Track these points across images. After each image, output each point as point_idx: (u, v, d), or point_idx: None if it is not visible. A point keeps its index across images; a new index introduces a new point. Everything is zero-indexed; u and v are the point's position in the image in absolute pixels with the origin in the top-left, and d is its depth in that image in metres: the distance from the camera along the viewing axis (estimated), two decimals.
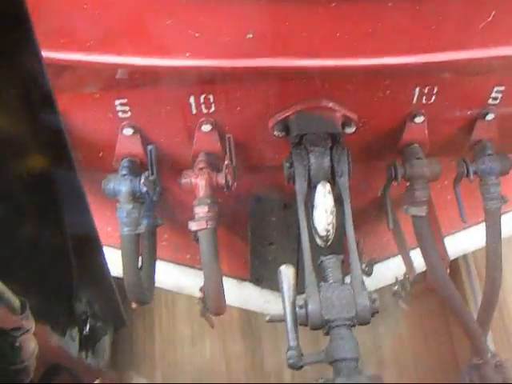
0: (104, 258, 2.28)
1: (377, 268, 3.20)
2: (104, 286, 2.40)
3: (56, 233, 1.96)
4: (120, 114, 2.52)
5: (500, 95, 2.59)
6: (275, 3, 2.03)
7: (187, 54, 2.16)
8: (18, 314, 1.67)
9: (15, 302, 1.65)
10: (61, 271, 2.11)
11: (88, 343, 2.46)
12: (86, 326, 2.40)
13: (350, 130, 2.59)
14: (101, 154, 2.71)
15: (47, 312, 2.08)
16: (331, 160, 2.55)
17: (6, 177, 1.69)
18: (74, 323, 2.35)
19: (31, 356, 1.76)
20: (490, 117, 2.68)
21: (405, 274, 3.31)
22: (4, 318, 1.64)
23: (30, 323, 1.73)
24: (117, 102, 2.47)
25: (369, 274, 3.09)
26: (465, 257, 4.41)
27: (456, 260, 4.24)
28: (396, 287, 3.38)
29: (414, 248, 3.10)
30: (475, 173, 2.79)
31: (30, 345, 1.76)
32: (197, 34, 2.10)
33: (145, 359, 4.66)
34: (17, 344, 1.70)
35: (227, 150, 2.54)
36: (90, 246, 2.16)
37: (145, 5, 2.07)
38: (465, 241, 3.59)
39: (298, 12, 2.06)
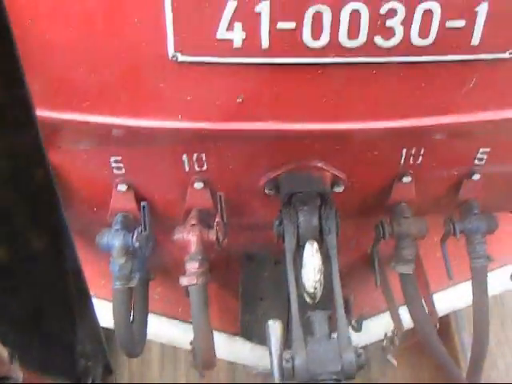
0: (93, 309, 2.30)
1: (366, 324, 3.23)
2: (93, 335, 2.41)
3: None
4: (114, 171, 2.58)
5: (485, 156, 2.64)
6: (264, 70, 2.10)
7: (179, 116, 2.23)
8: (5, 365, 1.70)
9: (3, 352, 1.68)
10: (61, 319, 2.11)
11: None
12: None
13: (339, 189, 2.64)
14: (95, 209, 2.76)
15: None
16: (319, 219, 2.59)
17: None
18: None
19: None
20: (476, 177, 2.73)
21: (394, 330, 3.34)
22: None
23: (18, 374, 1.76)
24: (111, 159, 2.53)
25: (358, 329, 3.12)
26: (455, 313, 4.43)
27: (447, 316, 4.24)
28: (385, 342, 3.41)
29: (403, 304, 3.12)
30: (462, 231, 2.84)
31: None
32: (189, 98, 2.17)
33: None
34: None
35: (218, 207, 2.60)
36: (80, 296, 2.17)
37: (138, 68, 2.14)
38: (455, 298, 3.62)
39: (286, 78, 2.13)
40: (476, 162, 2.67)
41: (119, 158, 2.53)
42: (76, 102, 2.25)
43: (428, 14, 2.02)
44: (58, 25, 2.07)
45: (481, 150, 2.62)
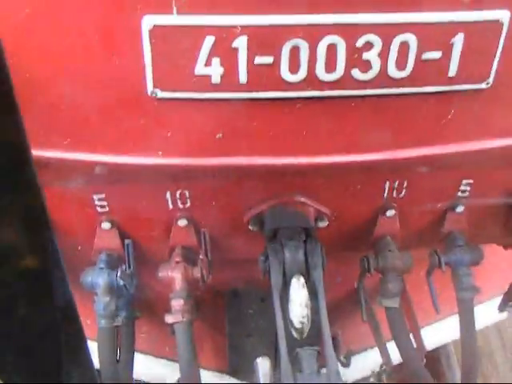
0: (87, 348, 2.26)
1: (355, 359, 3.21)
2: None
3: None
4: (98, 209, 2.58)
5: (468, 187, 2.66)
6: (243, 104, 2.11)
7: (160, 153, 2.23)
8: None
9: None
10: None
11: None
12: None
13: (323, 223, 2.64)
14: (80, 248, 2.75)
15: None
16: (305, 254, 2.59)
17: None
18: None
19: None
20: (459, 209, 2.75)
21: (381, 366, 3.32)
22: None
23: None
24: (95, 197, 2.53)
25: (347, 365, 3.09)
26: (445, 347, 4.40)
27: (436, 350, 4.22)
28: (372, 379, 3.38)
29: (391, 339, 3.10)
30: (447, 264, 2.84)
31: None
32: (169, 134, 2.18)
33: None
34: None
35: (202, 244, 2.60)
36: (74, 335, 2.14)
37: (118, 105, 2.15)
38: (443, 331, 3.62)
39: (265, 112, 2.15)
40: (459, 193, 2.69)
41: (102, 196, 2.53)
42: (57, 139, 2.25)
43: (404, 45, 2.04)
44: (38, 62, 2.08)
45: (464, 181, 2.64)
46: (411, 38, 2.03)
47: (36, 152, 2.19)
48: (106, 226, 2.63)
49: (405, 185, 2.58)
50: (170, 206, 2.56)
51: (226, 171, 2.34)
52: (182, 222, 2.61)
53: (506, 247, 3.14)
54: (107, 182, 2.47)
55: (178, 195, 2.51)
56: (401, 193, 2.61)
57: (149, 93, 2.07)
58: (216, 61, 2.00)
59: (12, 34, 1.99)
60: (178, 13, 1.93)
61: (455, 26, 2.05)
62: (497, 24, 2.09)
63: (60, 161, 2.30)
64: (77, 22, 1.98)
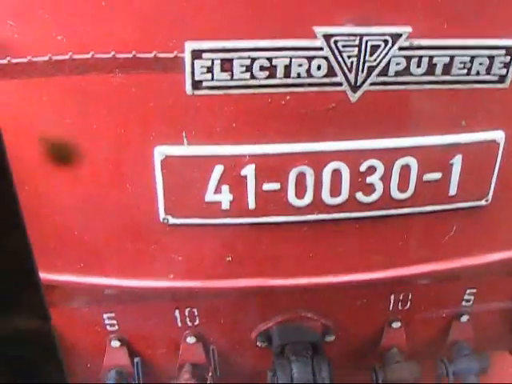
0: None
1: None
2: None
3: None
4: (108, 328, 2.60)
5: (472, 297, 2.69)
6: (252, 229, 2.18)
7: (171, 276, 2.28)
8: None
9: None
10: None
11: None
12: None
13: (330, 338, 2.67)
14: (89, 365, 2.76)
15: None
16: (313, 368, 2.59)
17: None
18: None
19: None
20: (464, 318, 2.77)
21: None
22: None
23: None
24: (105, 316, 2.56)
25: None
26: None
27: None
28: None
29: None
30: (454, 373, 2.84)
31: None
32: (180, 258, 2.24)
33: None
34: None
35: (211, 360, 2.61)
36: None
37: (131, 231, 2.21)
38: None
39: (273, 236, 2.22)
40: (463, 303, 2.72)
41: (112, 315, 2.56)
42: (68, 263, 2.30)
43: (405, 168, 2.12)
44: (54, 188, 2.14)
45: (467, 291, 2.67)
46: (412, 161, 2.10)
47: (48, 275, 2.27)
48: (115, 344, 2.65)
49: (410, 297, 2.62)
50: (179, 324, 2.58)
51: (235, 292, 2.38)
52: (191, 340, 2.63)
53: None
54: (117, 302, 2.50)
55: (187, 313, 2.54)
56: (406, 305, 2.64)
57: (161, 219, 2.14)
58: (225, 188, 2.08)
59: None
60: (189, 143, 2.01)
61: (453, 148, 2.14)
62: (493, 144, 2.17)
63: (72, 283, 2.35)
64: (91, 150, 2.05)
